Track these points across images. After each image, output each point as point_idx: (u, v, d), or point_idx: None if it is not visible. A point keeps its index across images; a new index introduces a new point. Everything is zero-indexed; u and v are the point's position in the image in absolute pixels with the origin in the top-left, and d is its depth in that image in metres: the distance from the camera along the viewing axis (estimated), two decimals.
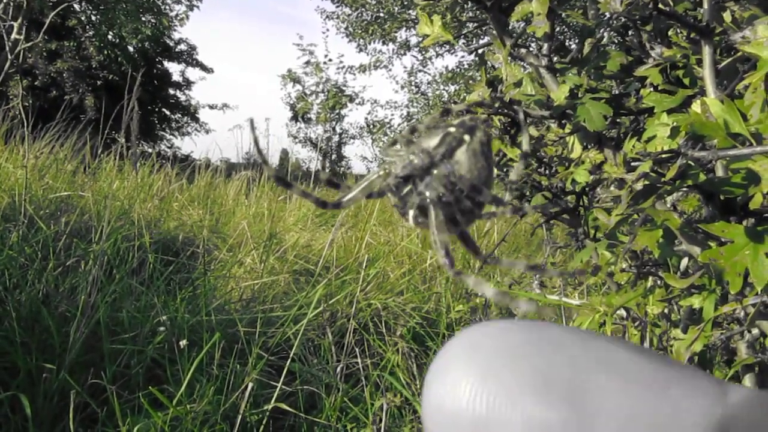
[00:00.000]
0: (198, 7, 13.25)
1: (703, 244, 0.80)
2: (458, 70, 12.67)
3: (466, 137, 0.26)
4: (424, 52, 12.95)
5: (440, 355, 0.24)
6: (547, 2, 0.83)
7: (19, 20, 2.69)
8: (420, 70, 13.58)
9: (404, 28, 12.49)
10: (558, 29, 0.89)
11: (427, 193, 0.25)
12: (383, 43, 12.87)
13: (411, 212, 0.25)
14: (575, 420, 0.21)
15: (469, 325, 0.24)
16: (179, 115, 14.09)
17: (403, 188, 0.25)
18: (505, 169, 1.02)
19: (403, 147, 0.26)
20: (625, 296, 1.03)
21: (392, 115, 18.22)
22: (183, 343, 1.76)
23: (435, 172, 0.25)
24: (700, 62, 0.79)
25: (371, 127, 14.18)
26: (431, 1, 0.89)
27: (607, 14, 0.90)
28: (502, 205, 0.26)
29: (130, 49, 12.49)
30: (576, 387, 0.22)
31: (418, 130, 0.27)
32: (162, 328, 1.91)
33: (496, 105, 0.84)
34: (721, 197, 0.73)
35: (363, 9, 12.53)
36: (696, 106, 0.66)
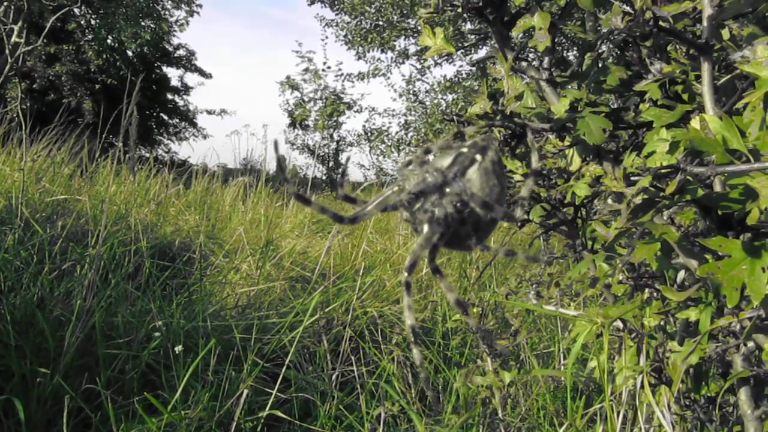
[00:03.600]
0: (198, 12, 13.29)
1: (700, 257, 0.80)
2: (456, 79, 12.73)
3: (478, 156, 0.26)
4: (422, 61, 13.01)
5: None
6: (548, 17, 0.84)
7: (19, 24, 2.70)
8: (418, 79, 13.63)
9: (403, 37, 12.55)
10: (557, 42, 0.90)
11: (435, 211, 0.26)
12: (382, 51, 12.93)
13: (425, 227, 0.26)
14: None
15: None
16: (177, 120, 14.09)
17: (414, 204, 0.26)
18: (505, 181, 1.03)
19: (418, 166, 0.27)
20: (622, 308, 1.04)
21: (390, 123, 18.26)
22: (178, 348, 1.75)
23: (448, 190, 0.26)
24: (698, 78, 0.80)
25: (369, 134, 14.21)
26: (434, 13, 0.90)
27: (607, 29, 0.91)
28: (514, 221, 0.27)
29: (129, 53, 12.49)
30: None
31: (431, 150, 0.28)
32: (157, 334, 1.90)
33: (498, 118, 0.84)
34: (719, 212, 0.74)
35: (362, 17, 12.59)
36: (695, 122, 0.66)
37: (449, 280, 3.08)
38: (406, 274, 0.26)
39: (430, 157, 0.28)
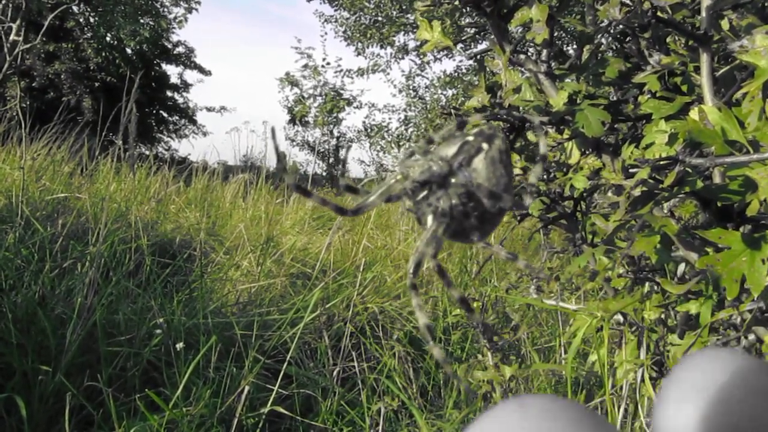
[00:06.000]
0: (197, 9, 13.26)
1: (700, 250, 0.80)
2: (456, 74, 12.70)
3: (485, 145, 0.26)
4: (422, 57, 12.98)
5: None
6: (546, 9, 0.83)
7: (18, 21, 2.69)
8: (418, 74, 13.60)
9: (402, 32, 12.52)
10: (556, 34, 0.90)
11: (440, 203, 0.25)
12: (381, 46, 12.88)
13: (429, 218, 0.25)
14: None
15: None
16: (177, 118, 14.07)
17: (419, 193, 0.25)
18: None
19: (421, 156, 0.26)
20: (622, 302, 1.04)
21: (390, 119, 18.23)
22: (179, 345, 1.75)
23: (453, 180, 0.25)
24: (697, 70, 0.80)
25: (369, 130, 14.19)
26: (431, 7, 0.89)
27: (605, 21, 0.90)
28: (524, 210, 0.27)
29: (128, 51, 12.47)
30: None
31: (434, 140, 0.27)
32: (158, 331, 1.90)
33: (495, 111, 0.84)
34: (718, 204, 0.74)
35: (361, 13, 12.55)
36: (694, 114, 0.66)
37: (451, 275, 3.08)
38: (411, 275, 0.25)
39: (433, 146, 0.27)
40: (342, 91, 14.01)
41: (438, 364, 2.21)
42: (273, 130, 0.26)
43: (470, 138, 0.26)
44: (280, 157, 0.25)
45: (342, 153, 13.93)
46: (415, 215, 0.26)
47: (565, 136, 0.92)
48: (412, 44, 12.76)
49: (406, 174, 0.26)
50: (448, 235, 0.26)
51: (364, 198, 0.26)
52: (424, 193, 0.25)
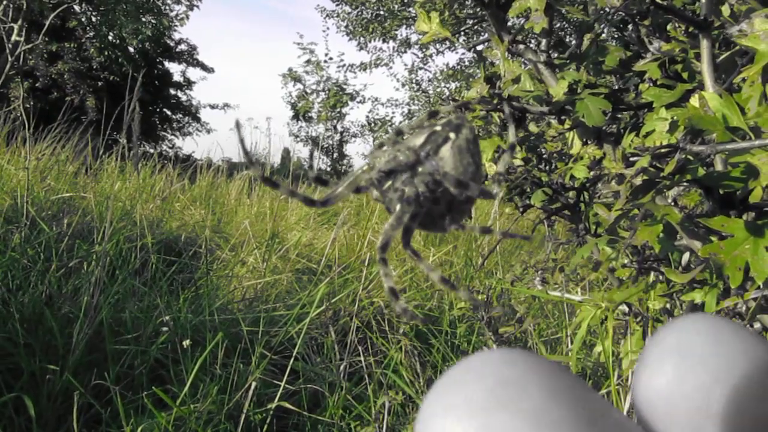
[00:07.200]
0: (198, 6, 13.25)
1: (703, 238, 0.79)
2: (459, 67, 12.65)
3: (452, 135, 0.26)
4: (424, 50, 12.94)
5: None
6: None
7: (19, 22, 2.69)
8: (421, 68, 13.57)
9: (404, 26, 12.47)
10: (557, 25, 0.89)
11: (405, 189, 0.25)
12: (384, 41, 12.84)
13: (397, 206, 0.26)
14: None
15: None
16: (180, 116, 14.10)
17: (384, 182, 0.26)
18: None
19: (390, 146, 0.26)
20: (627, 292, 1.03)
21: (393, 113, 18.20)
22: (186, 343, 1.76)
23: (420, 169, 0.25)
24: (698, 56, 0.79)
25: (372, 125, 14.18)
26: None
27: (605, 9, 0.89)
28: (491, 198, 0.27)
29: (131, 49, 12.49)
30: None
31: (404, 131, 0.27)
32: (165, 329, 1.91)
33: (495, 102, 0.83)
34: (721, 191, 0.73)
35: (363, 7, 12.51)
36: (694, 101, 0.65)
37: (456, 267, 3.08)
38: (380, 252, 0.26)
39: (403, 137, 0.27)
40: (345, 86, 14.00)
41: (445, 358, 2.21)
42: (237, 123, 0.26)
43: (438, 128, 0.26)
44: (246, 149, 0.25)
45: (345, 148, 13.94)
46: (383, 204, 0.26)
47: (566, 126, 0.91)
48: (414, 38, 12.72)
49: (373, 164, 0.26)
50: (418, 223, 0.26)
51: (333, 189, 0.26)
52: (391, 182, 0.26)
